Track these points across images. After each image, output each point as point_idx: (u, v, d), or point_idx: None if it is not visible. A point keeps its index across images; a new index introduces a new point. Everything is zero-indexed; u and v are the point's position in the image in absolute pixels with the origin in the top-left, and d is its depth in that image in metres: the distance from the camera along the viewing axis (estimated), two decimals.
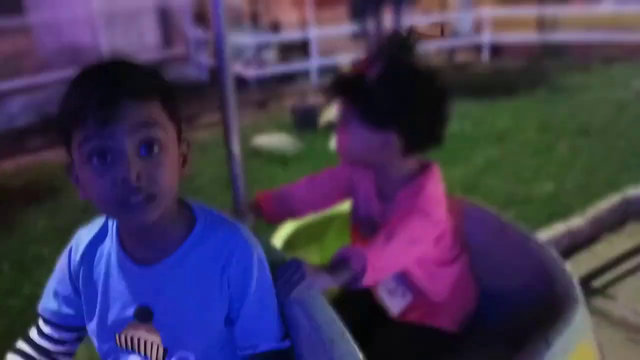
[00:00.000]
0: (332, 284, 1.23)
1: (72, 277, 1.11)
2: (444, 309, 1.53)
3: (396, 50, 1.37)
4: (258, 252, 1.05)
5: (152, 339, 1.04)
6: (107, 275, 1.05)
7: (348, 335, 1.14)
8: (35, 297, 3.28)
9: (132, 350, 1.07)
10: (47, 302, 1.13)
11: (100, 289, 1.06)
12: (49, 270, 3.48)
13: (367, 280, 1.24)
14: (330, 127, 5.54)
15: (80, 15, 8.87)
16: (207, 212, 1.07)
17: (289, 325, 1.15)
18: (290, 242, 1.89)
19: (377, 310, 1.55)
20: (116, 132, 0.88)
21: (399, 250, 1.30)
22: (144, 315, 1.04)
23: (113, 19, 9.13)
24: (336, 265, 1.24)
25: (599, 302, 2.71)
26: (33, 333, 1.15)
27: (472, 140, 4.85)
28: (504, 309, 1.62)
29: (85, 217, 3.93)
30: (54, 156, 5.81)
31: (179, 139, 1.00)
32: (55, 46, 8.77)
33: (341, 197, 1.61)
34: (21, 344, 1.15)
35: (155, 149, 0.92)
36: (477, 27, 10.28)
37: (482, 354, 1.58)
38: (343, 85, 1.38)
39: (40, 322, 1.15)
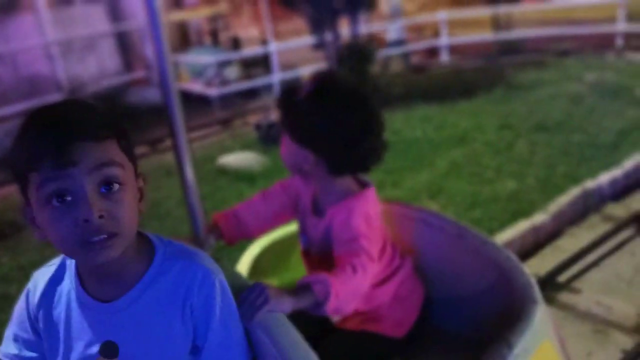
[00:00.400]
0: (294, 308, 1.24)
1: (32, 320, 1.09)
2: (385, 316, 1.54)
3: (355, 58, 1.40)
4: (220, 278, 1.05)
5: None
6: (67, 315, 1.05)
7: (313, 356, 1.15)
8: (2, 338, 3.21)
9: None
10: (7, 347, 1.10)
11: (62, 329, 1.05)
12: None
13: (329, 309, 1.25)
14: None
15: (35, 45, 8.74)
16: (166, 244, 1.07)
17: (255, 351, 1.16)
18: (257, 264, 1.89)
19: (322, 319, 1.57)
20: (75, 174, 0.89)
21: (362, 281, 1.32)
22: (110, 352, 1.03)
23: (70, 47, 9.02)
24: (300, 290, 1.25)
25: (565, 296, 2.78)
26: None
27: (436, 144, 4.93)
28: (463, 312, 1.65)
29: (50, 254, 3.85)
30: (15, 192, 5.68)
31: (136, 174, 1.01)
32: (11, 79, 8.61)
33: (293, 210, 1.61)
34: None
35: (115, 187, 0.92)
36: (435, 30, 10.47)
37: (440, 357, 1.61)
38: (280, 99, 1.42)
39: None
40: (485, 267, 1.63)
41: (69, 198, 0.89)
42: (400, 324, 1.55)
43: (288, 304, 1.21)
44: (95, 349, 1.03)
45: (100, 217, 0.90)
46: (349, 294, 1.27)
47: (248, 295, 1.16)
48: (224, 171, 4.89)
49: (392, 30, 9.93)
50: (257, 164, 4.93)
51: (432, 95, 6.46)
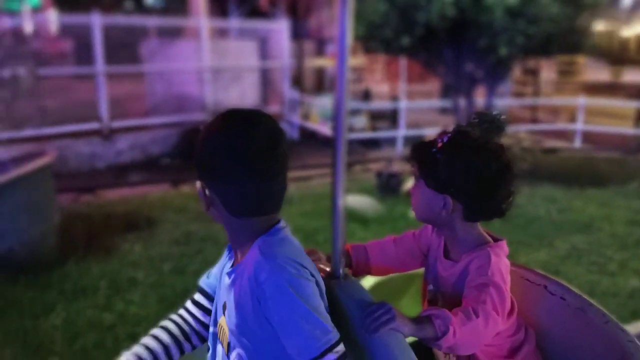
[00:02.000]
0: (413, 335, 1.31)
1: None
2: None
3: (485, 127, 1.49)
4: (288, 278, 1.15)
5: (226, 333, 1.26)
6: (220, 278, 1.32)
7: None
8: (127, 314, 3.55)
9: (220, 341, 1.29)
10: (205, 277, 1.41)
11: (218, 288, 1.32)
12: (142, 292, 3.76)
13: (445, 345, 1.30)
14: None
15: (190, 68, 9.69)
16: (273, 233, 1.24)
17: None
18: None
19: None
20: None
21: (482, 328, 1.35)
22: (224, 309, 1.26)
23: (219, 75, 9.89)
24: (422, 320, 1.31)
25: None
26: (187, 302, 1.42)
27: (558, 225, 4.77)
28: None
29: (177, 248, 4.25)
30: (153, 190, 6.30)
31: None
32: (165, 93, 9.58)
33: (420, 260, 1.66)
34: (176, 313, 1.41)
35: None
36: (572, 114, 10.17)
37: None
38: (415, 150, 1.52)
39: (196, 294, 1.41)
40: (605, 346, 1.58)
41: None
42: None
43: (408, 329, 1.30)
44: (217, 308, 1.30)
45: None
46: (465, 335, 1.31)
47: (376, 310, 1.27)
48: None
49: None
50: (372, 208, 5.06)
51: (560, 177, 6.27)
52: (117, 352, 2.86)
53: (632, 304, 3.46)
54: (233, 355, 1.25)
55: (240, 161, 1.18)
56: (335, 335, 1.17)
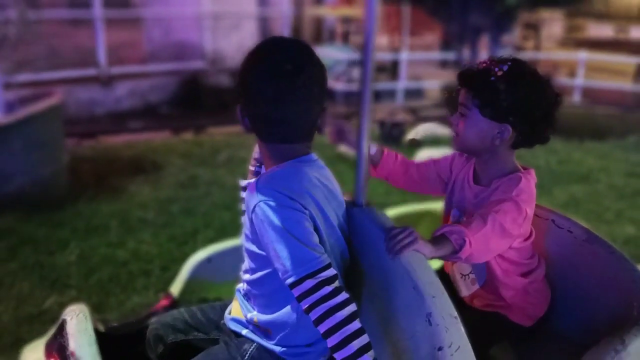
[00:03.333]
0: (433, 254, 1.38)
1: None
2: (516, 305, 1.63)
3: (481, 83, 1.52)
4: (271, 206, 1.21)
5: None
6: None
7: (446, 294, 1.31)
8: (139, 252, 3.65)
9: None
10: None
11: None
12: (152, 231, 3.85)
13: (464, 256, 1.38)
14: (414, 144, 5.70)
15: (189, 14, 9.50)
16: (284, 166, 1.30)
17: (389, 281, 1.34)
18: None
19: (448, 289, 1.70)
20: None
21: (490, 235, 1.41)
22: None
23: (218, 22, 9.72)
24: (437, 239, 1.38)
25: None
26: None
27: (557, 176, 4.87)
28: (581, 317, 1.69)
29: (184, 191, 4.34)
30: (155, 138, 6.32)
31: None
32: (162, 40, 9.42)
33: (441, 187, 1.72)
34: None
35: None
36: (572, 70, 10.14)
37: (553, 351, 1.68)
38: (469, 77, 1.53)
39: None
40: (609, 276, 1.65)
41: None
42: (528, 316, 1.65)
43: (428, 250, 1.37)
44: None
45: None
46: (478, 242, 1.38)
47: (398, 233, 1.33)
48: (342, 158, 5.13)
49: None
50: None
51: (560, 130, 6.28)
52: (133, 286, 3.02)
53: (628, 249, 3.57)
54: (244, 264, 1.41)
55: (261, 84, 1.23)
56: (319, 262, 1.21)
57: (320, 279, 1.20)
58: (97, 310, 2.77)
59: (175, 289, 1.99)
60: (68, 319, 1.37)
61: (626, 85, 9.59)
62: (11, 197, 3.68)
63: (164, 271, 3.11)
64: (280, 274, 1.23)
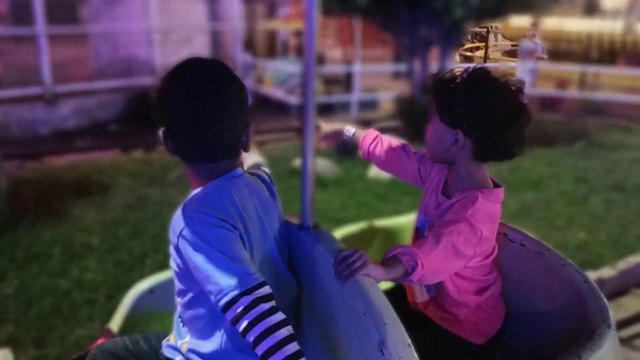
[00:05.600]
0: (384, 277, 1.33)
1: None
2: (468, 321, 1.60)
3: (441, 88, 1.49)
4: (198, 228, 1.20)
5: None
6: None
7: (398, 320, 1.25)
8: (83, 280, 3.46)
9: None
10: None
11: None
12: (97, 257, 3.66)
13: (415, 278, 1.33)
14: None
15: (137, 29, 9.29)
16: (210, 185, 1.28)
17: (338, 307, 1.29)
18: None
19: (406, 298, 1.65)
20: None
21: (442, 256, 1.37)
22: None
23: (168, 37, 9.54)
24: (389, 261, 1.33)
25: (625, 352, 2.74)
26: None
27: (508, 184, 4.87)
28: (535, 330, 1.68)
29: (132, 213, 4.16)
30: (102, 157, 6.09)
31: None
32: (110, 56, 9.17)
33: (416, 180, 1.70)
34: None
35: None
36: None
37: None
38: (434, 83, 1.51)
39: None
40: (562, 288, 1.65)
41: None
42: (480, 333, 1.61)
43: (379, 273, 1.31)
44: None
45: None
46: (429, 263, 1.33)
47: (348, 257, 1.27)
48: (296, 172, 5.07)
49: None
50: (329, 171, 5.08)
51: None
52: (76, 317, 2.85)
53: (580, 255, 3.64)
54: (176, 287, 1.37)
55: (181, 104, 1.24)
56: (254, 279, 1.18)
57: (256, 296, 1.16)
58: (37, 345, 2.60)
59: (115, 324, 1.86)
60: None
61: (572, 92, 9.90)
62: None
63: (110, 300, 2.95)
64: (212, 297, 1.17)
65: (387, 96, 9.15)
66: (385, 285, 1.64)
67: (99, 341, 1.87)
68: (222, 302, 1.16)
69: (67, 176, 5.06)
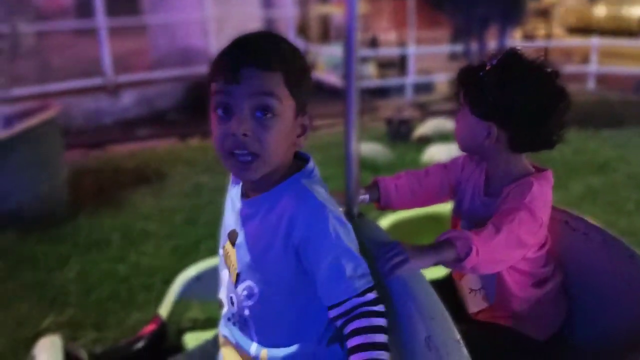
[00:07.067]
0: (433, 263, 1.24)
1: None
2: (531, 316, 1.50)
3: (468, 78, 1.38)
4: (329, 218, 1.10)
5: (233, 262, 1.20)
6: (229, 203, 1.26)
7: (447, 315, 1.19)
8: (140, 265, 3.57)
9: (226, 266, 1.24)
10: None
11: (223, 218, 1.27)
12: (154, 243, 3.76)
13: (468, 265, 1.24)
14: (423, 141, 5.56)
15: (194, 19, 9.45)
16: (306, 175, 1.16)
17: (389, 297, 1.21)
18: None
19: (456, 304, 1.55)
20: (236, 93, 1.05)
21: (504, 246, 1.29)
22: (232, 237, 1.21)
23: (223, 25, 9.65)
24: (441, 245, 1.25)
25: None
26: None
27: (572, 167, 4.69)
28: (599, 325, 1.58)
29: (188, 200, 4.22)
30: (161, 145, 6.27)
31: (300, 112, 1.13)
32: (168, 46, 9.38)
33: (450, 192, 1.60)
34: None
35: (269, 115, 1.07)
36: (585, 57, 9.89)
37: None
38: (461, 74, 1.43)
39: None
40: (630, 281, 1.54)
41: (230, 112, 1.06)
42: (543, 328, 1.51)
43: (428, 259, 1.23)
44: (224, 233, 1.25)
45: (245, 135, 1.05)
46: (487, 253, 1.25)
47: (386, 252, 1.20)
48: None
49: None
50: (382, 156, 4.99)
51: (574, 119, 6.10)
52: (133, 302, 2.93)
53: None
54: (242, 287, 1.20)
55: None
56: (371, 277, 1.14)
57: (377, 294, 1.14)
58: (96, 328, 2.69)
59: (164, 310, 1.89)
60: (37, 354, 1.27)
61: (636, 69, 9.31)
62: (9, 215, 3.62)
63: (166, 284, 2.97)
64: (335, 291, 1.11)
65: (443, 78, 8.92)
66: (432, 275, 1.57)
67: (149, 326, 1.91)
68: (349, 295, 1.10)
69: (127, 164, 5.23)
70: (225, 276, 1.26)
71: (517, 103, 1.32)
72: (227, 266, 1.24)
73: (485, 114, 1.36)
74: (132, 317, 2.77)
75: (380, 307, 1.13)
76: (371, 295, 1.12)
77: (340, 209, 1.20)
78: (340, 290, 1.11)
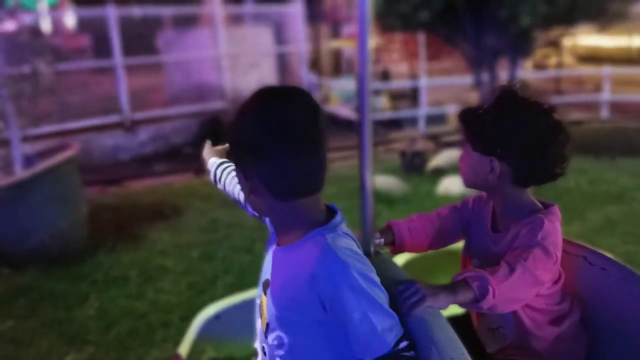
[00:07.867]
0: (450, 303, 1.25)
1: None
2: (550, 355, 1.49)
3: (469, 117, 1.43)
4: (355, 273, 1.10)
5: (264, 311, 1.22)
6: (269, 252, 1.27)
7: (467, 355, 1.19)
8: (158, 302, 3.59)
9: (259, 315, 1.25)
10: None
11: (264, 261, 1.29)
12: (172, 279, 3.79)
13: (486, 306, 1.25)
14: (437, 172, 5.57)
15: (207, 56, 9.66)
16: (333, 227, 1.17)
17: (412, 337, 1.22)
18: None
19: (474, 342, 1.54)
20: None
21: (519, 285, 1.29)
22: (265, 286, 1.22)
23: (236, 62, 9.85)
24: (457, 285, 1.26)
25: None
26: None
27: (589, 197, 4.66)
28: None
29: (204, 235, 4.25)
30: (177, 180, 6.34)
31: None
32: (183, 83, 9.58)
33: (457, 235, 1.61)
34: None
35: None
36: (597, 85, 9.90)
37: None
38: (462, 113, 1.47)
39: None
40: None
41: None
42: None
43: (445, 300, 1.23)
44: (260, 282, 1.27)
45: None
46: (504, 292, 1.26)
47: (403, 292, 1.20)
48: None
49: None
50: (397, 188, 5.00)
51: (589, 148, 6.11)
52: (152, 339, 2.94)
53: None
54: (272, 336, 1.21)
55: (283, 136, 1.10)
56: (400, 323, 1.14)
57: (408, 341, 1.14)
58: None
59: (184, 349, 1.90)
60: None
61: None
62: (32, 252, 3.68)
63: (184, 321, 3.02)
64: (368, 345, 1.11)
65: (455, 109, 8.98)
66: (450, 311, 1.57)
67: None
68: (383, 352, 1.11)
69: (144, 200, 5.30)
70: (258, 325, 1.27)
71: (515, 136, 1.36)
72: (260, 315, 1.26)
73: (486, 148, 1.39)
74: (151, 354, 2.78)
75: (411, 353, 1.13)
76: (403, 344, 1.13)
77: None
78: (374, 346, 1.11)
